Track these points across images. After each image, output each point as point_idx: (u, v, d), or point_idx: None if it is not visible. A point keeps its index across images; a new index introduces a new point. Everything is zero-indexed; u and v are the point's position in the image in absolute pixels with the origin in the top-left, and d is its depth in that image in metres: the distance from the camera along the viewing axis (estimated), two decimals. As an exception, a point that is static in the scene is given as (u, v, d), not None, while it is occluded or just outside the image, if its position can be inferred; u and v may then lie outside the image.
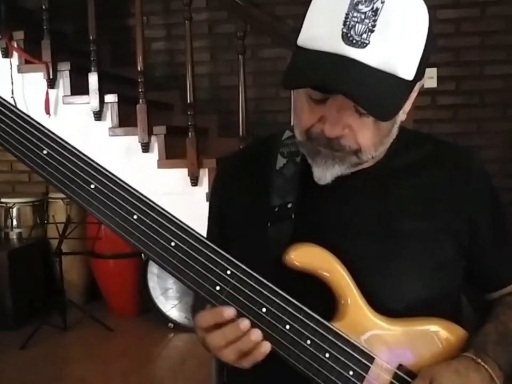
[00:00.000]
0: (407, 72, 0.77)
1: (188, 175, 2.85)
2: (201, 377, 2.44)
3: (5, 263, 3.15)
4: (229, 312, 0.77)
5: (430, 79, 3.55)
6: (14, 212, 3.52)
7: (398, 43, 0.74)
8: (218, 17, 3.82)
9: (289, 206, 0.91)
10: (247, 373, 0.95)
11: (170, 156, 2.93)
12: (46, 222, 3.49)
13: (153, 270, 3.18)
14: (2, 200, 3.53)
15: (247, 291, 0.79)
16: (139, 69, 2.92)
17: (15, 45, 3.10)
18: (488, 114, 3.52)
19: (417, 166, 0.93)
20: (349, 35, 0.73)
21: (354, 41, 0.73)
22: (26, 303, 3.28)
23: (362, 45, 0.73)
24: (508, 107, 3.50)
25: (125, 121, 3.02)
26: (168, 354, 2.98)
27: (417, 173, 0.93)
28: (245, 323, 0.76)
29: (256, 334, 0.77)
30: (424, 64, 0.79)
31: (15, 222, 3.51)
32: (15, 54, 3.11)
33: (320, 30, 0.76)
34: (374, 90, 0.73)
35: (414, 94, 0.86)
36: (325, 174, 0.84)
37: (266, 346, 0.77)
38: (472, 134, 3.53)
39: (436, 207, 0.91)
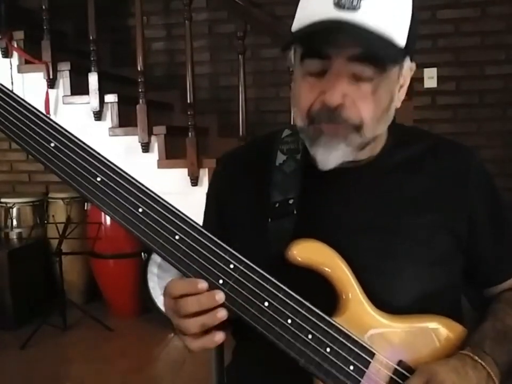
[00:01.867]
0: (397, 36, 0.80)
1: (188, 175, 2.85)
2: (201, 377, 2.44)
3: (5, 263, 3.14)
4: (203, 284, 0.77)
5: (430, 79, 3.55)
6: (14, 212, 3.51)
7: (387, 7, 0.78)
8: (218, 17, 3.82)
9: (290, 202, 0.91)
10: (247, 371, 0.96)
11: (170, 156, 2.94)
12: (46, 222, 3.49)
13: (153, 270, 3.18)
14: (2, 200, 3.53)
15: (249, 285, 0.79)
16: (139, 69, 2.93)
17: (15, 45, 3.10)
18: (488, 114, 3.53)
19: (416, 162, 0.94)
20: (340, 3, 0.77)
21: (346, 7, 0.77)
22: (26, 303, 3.27)
23: (354, 9, 0.77)
24: (508, 107, 3.51)
25: (125, 121, 3.02)
26: (168, 354, 2.98)
27: (417, 169, 0.93)
28: (220, 295, 0.77)
29: (222, 313, 0.77)
30: (413, 37, 0.83)
31: (15, 222, 3.51)
32: (15, 54, 3.11)
33: (313, 5, 0.80)
34: (369, 39, 0.77)
35: (406, 82, 0.89)
36: (327, 156, 0.84)
37: (220, 336, 0.79)
38: (472, 134, 3.53)
39: (435, 203, 0.91)
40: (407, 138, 0.96)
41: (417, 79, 3.41)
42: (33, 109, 0.81)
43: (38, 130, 0.80)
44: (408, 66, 0.88)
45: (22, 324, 3.15)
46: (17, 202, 3.52)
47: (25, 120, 0.80)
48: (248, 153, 1.05)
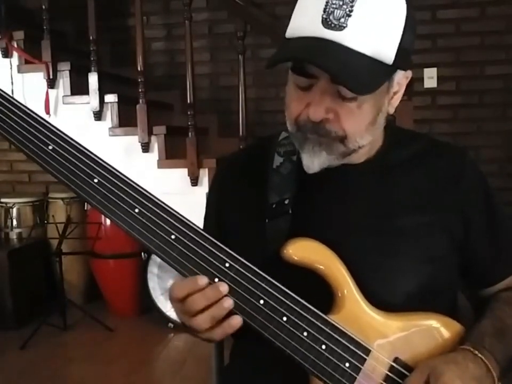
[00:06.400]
0: (384, 54, 0.79)
1: (188, 175, 2.85)
2: (201, 377, 2.44)
3: (5, 263, 3.15)
4: (203, 280, 0.79)
5: (430, 79, 3.55)
6: (14, 212, 3.51)
7: (374, 27, 0.78)
8: (218, 17, 3.82)
9: (286, 202, 0.92)
10: (246, 370, 0.96)
11: (170, 156, 2.94)
12: (46, 222, 3.49)
13: (153, 270, 3.18)
14: (2, 200, 3.53)
15: (245, 283, 0.80)
16: (139, 69, 2.93)
17: (15, 45, 3.11)
18: (488, 114, 3.53)
19: (411, 162, 0.95)
20: (328, 20, 0.77)
21: (332, 25, 0.77)
22: (26, 303, 3.27)
23: (340, 28, 0.77)
24: (508, 107, 3.50)
25: (125, 121, 3.02)
26: (168, 354, 2.99)
27: (411, 169, 0.94)
28: (224, 286, 0.79)
29: (228, 302, 0.79)
30: (404, 51, 0.82)
31: (15, 222, 3.51)
32: (15, 54, 3.11)
33: (303, 19, 0.81)
34: (348, 66, 0.77)
35: (401, 88, 0.89)
36: (312, 161, 0.86)
37: (237, 320, 0.79)
38: (472, 134, 3.53)
39: (429, 203, 0.92)
40: (402, 140, 0.98)
41: (417, 79, 3.41)
42: (31, 113, 0.82)
43: (36, 133, 0.82)
44: (401, 76, 0.87)
45: (22, 324, 3.15)
46: (17, 202, 3.53)
47: (24, 124, 0.82)
48: (246, 157, 1.07)
